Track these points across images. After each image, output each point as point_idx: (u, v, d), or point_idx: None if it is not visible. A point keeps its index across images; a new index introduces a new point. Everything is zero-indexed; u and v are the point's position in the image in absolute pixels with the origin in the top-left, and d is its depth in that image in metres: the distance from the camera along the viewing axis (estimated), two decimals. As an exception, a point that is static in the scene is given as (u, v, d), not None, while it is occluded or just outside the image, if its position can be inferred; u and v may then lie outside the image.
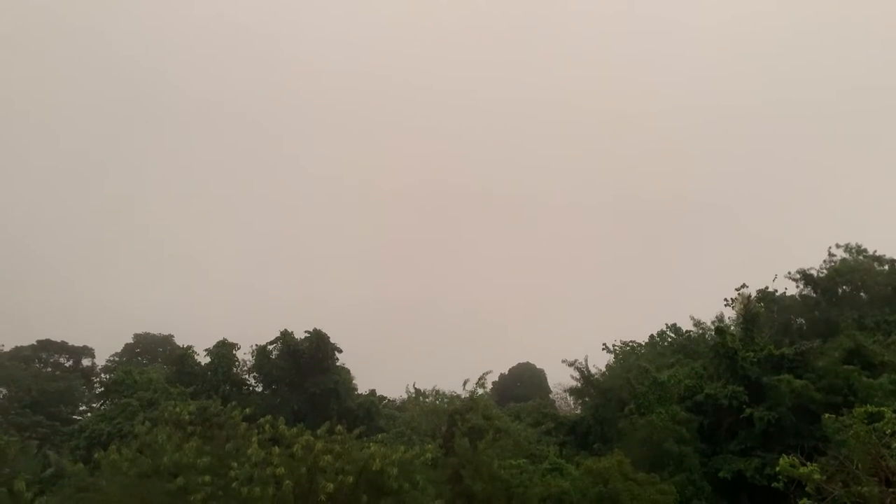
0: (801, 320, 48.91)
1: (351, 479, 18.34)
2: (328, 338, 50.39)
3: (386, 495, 19.32)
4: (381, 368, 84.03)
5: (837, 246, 51.03)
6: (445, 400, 35.39)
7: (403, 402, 44.40)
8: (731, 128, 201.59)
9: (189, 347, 52.12)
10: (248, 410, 22.30)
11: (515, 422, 36.88)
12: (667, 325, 52.26)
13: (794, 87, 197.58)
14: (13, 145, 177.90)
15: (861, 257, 50.09)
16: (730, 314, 45.74)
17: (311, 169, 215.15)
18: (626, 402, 35.85)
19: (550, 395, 70.06)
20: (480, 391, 34.15)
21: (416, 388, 37.58)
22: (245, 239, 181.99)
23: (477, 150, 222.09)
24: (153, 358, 70.81)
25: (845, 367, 33.40)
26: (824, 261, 50.48)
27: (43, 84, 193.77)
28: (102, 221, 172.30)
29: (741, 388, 33.79)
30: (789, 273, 49.60)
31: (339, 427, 21.05)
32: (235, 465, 18.10)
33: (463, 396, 33.77)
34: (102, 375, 65.26)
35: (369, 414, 48.36)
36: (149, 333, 74.80)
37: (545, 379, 79.99)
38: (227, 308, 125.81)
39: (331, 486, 17.59)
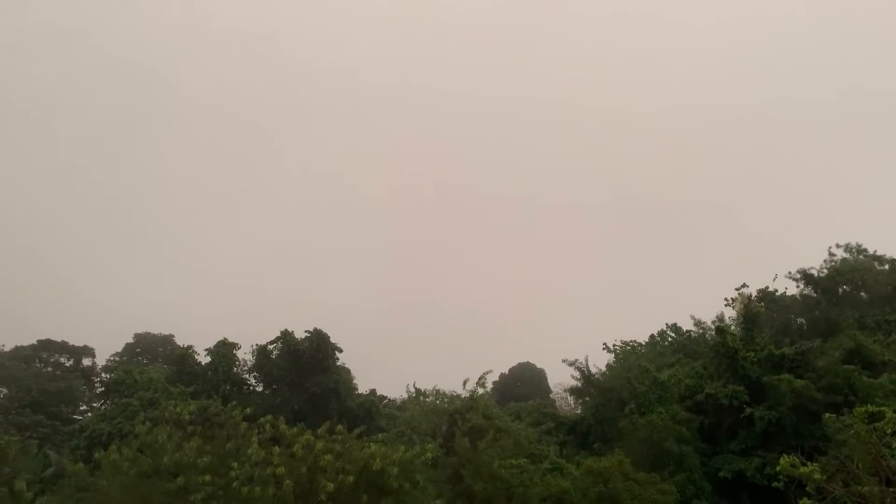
0: (801, 320, 48.90)
1: (351, 478, 18.35)
2: (328, 337, 50.41)
3: (386, 495, 19.32)
4: (381, 368, 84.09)
5: (838, 246, 51.07)
6: (446, 400, 35.39)
7: (404, 401, 44.40)
8: (731, 128, 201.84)
9: (189, 347, 52.15)
10: (248, 410, 22.31)
11: (516, 421, 36.89)
12: (667, 324, 52.31)
13: (794, 87, 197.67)
14: (14, 146, 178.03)
15: (861, 257, 50.08)
16: (730, 314, 45.79)
17: (311, 169, 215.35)
18: (627, 402, 35.85)
19: (551, 395, 70.08)
20: (481, 391, 34.16)
21: (416, 388, 37.58)
22: (245, 239, 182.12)
23: (477, 151, 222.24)
24: (153, 358, 70.82)
25: (846, 366, 33.38)
26: (824, 260, 50.51)
27: (43, 85, 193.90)
28: (103, 221, 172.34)
29: (741, 387, 33.79)
30: (789, 273, 49.64)
31: (339, 427, 21.05)
32: (236, 464, 18.11)
33: (463, 396, 33.79)
34: (103, 375, 65.26)
35: (370, 414, 48.38)
36: (149, 333, 74.85)
37: (545, 379, 79.98)
38: (227, 308, 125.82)
39: (331, 486, 17.60)
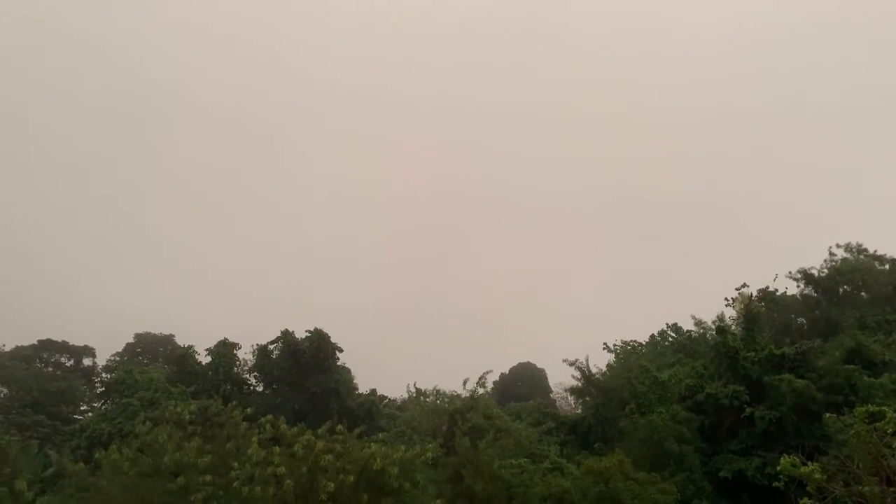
0: (801, 320, 48.90)
1: (352, 478, 18.36)
2: (329, 337, 50.41)
3: (387, 495, 19.33)
4: (381, 368, 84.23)
5: (838, 245, 51.10)
6: (446, 399, 35.42)
7: (404, 401, 44.39)
8: (731, 128, 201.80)
9: (190, 347, 52.16)
10: (248, 410, 22.31)
11: (516, 421, 36.87)
12: (667, 324, 52.35)
13: (794, 87, 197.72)
14: (14, 146, 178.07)
15: (862, 257, 50.09)
16: (730, 314, 45.74)
17: (312, 171, 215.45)
18: (627, 402, 35.82)
19: (551, 395, 70.03)
20: (481, 391, 34.19)
21: (416, 388, 37.62)
22: (245, 239, 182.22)
23: (476, 151, 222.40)
24: (154, 357, 70.85)
25: (846, 366, 33.32)
26: (825, 260, 50.54)
27: (44, 85, 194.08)
28: (103, 221, 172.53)
29: (742, 387, 33.76)
30: (790, 272, 49.67)
31: (339, 427, 21.07)
32: (236, 464, 18.11)
33: (463, 396, 33.83)
34: (103, 375, 65.28)
35: (370, 413, 48.37)
36: (150, 333, 74.89)
37: (546, 378, 79.99)
38: (227, 308, 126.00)
39: (331, 486, 17.61)
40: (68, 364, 68.05)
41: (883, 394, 30.44)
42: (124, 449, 19.68)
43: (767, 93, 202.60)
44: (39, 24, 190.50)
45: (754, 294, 45.50)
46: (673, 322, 52.02)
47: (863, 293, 48.26)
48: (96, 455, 21.07)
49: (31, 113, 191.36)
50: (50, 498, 26.15)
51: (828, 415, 23.79)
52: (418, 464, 21.49)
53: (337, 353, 50.92)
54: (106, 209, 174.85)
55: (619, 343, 47.64)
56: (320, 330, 50.39)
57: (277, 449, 18.75)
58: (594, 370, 40.97)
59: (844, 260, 49.91)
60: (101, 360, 69.97)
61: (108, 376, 58.59)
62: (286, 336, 50.46)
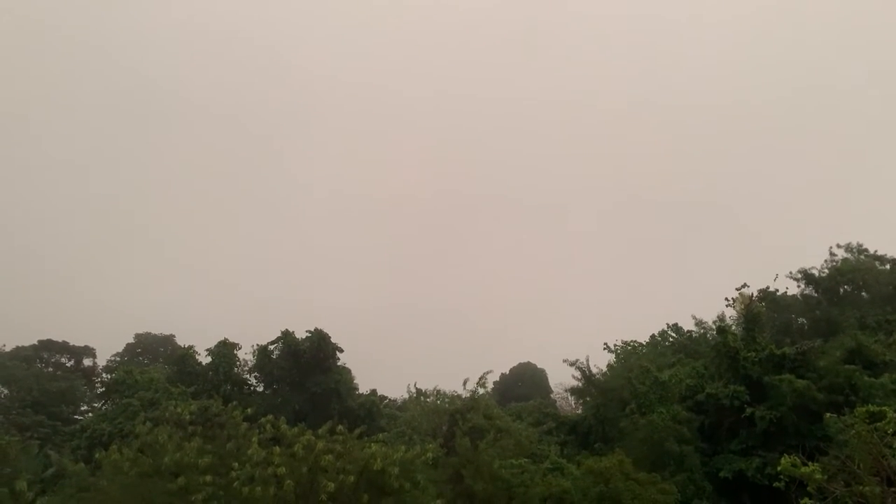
0: (802, 320, 48.90)
1: (352, 478, 18.35)
2: (329, 338, 50.43)
3: (387, 495, 19.33)
4: (381, 368, 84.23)
5: (839, 246, 51.14)
6: (446, 400, 35.43)
7: (404, 401, 44.41)
8: (731, 128, 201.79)
9: (190, 347, 52.20)
10: (249, 410, 22.33)
11: (516, 421, 36.88)
12: (668, 324, 52.40)
13: (795, 87, 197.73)
14: (14, 146, 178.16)
15: (862, 257, 50.11)
16: (731, 314, 45.76)
17: (312, 171, 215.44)
18: (628, 402, 35.82)
19: (551, 395, 69.98)
20: (481, 391, 34.21)
21: (417, 388, 37.63)
22: (245, 239, 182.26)
23: (477, 152, 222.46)
24: (154, 358, 70.86)
25: (847, 366, 33.32)
26: (825, 260, 50.58)
27: (44, 85, 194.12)
28: (103, 221, 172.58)
29: (742, 387, 33.74)
30: (790, 273, 49.71)
31: (340, 427, 21.05)
32: (237, 464, 18.12)
33: (464, 396, 33.84)
34: (104, 375, 65.31)
35: (370, 414, 48.37)
36: (150, 333, 74.90)
37: (546, 379, 79.95)
38: (227, 308, 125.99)
39: (332, 486, 17.60)
40: (69, 364, 68.04)
41: (883, 394, 30.42)
42: (125, 449, 19.69)
43: (767, 93, 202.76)
44: (39, 24, 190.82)
45: (755, 294, 45.50)
46: (673, 322, 52.12)
47: (863, 293, 48.27)
48: (96, 455, 21.08)
49: (31, 113, 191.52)
50: (50, 498, 26.14)
51: (828, 415, 23.81)
52: (419, 464, 21.49)
53: (337, 353, 50.96)
54: (106, 209, 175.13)
55: (619, 343, 47.74)
56: (320, 330, 50.41)
57: (278, 449, 18.74)
58: (594, 370, 41.02)
59: (845, 260, 49.93)
60: (102, 361, 70.06)
61: (109, 376, 58.62)
62: (286, 336, 50.47)
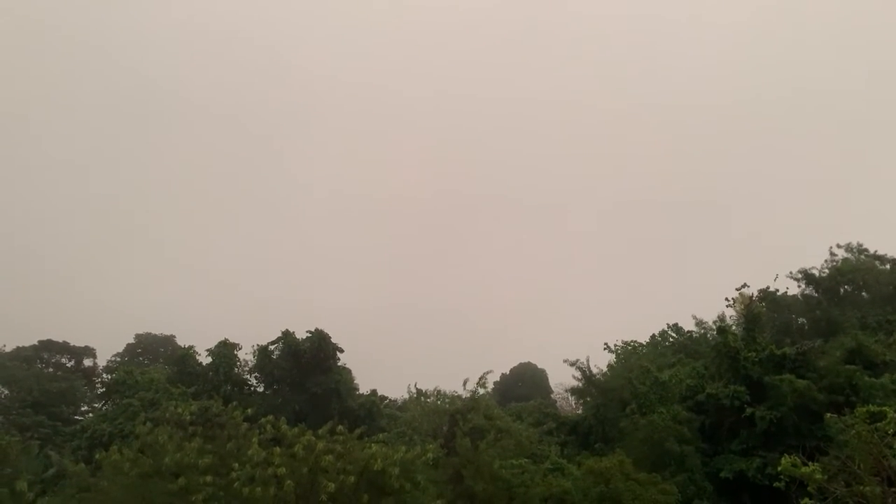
0: (802, 320, 48.89)
1: (352, 479, 18.36)
2: (329, 338, 50.43)
3: (387, 495, 19.33)
4: (382, 368, 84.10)
5: (839, 246, 51.16)
6: (447, 400, 35.41)
7: (405, 402, 44.40)
8: (731, 128, 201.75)
9: (190, 347, 52.20)
10: (249, 411, 22.33)
11: (517, 422, 36.88)
12: (668, 324, 52.43)
13: (794, 87, 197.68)
14: (14, 146, 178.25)
15: (863, 257, 50.13)
16: (731, 314, 45.78)
17: (312, 171, 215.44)
18: (628, 402, 35.82)
19: (552, 395, 70.01)
20: (481, 391, 34.19)
21: (417, 389, 37.61)
22: (245, 239, 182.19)
23: (477, 152, 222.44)
24: (154, 358, 70.86)
25: (847, 366, 33.34)
26: (826, 260, 50.60)
27: (44, 85, 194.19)
28: (103, 221, 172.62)
29: (743, 387, 33.74)
30: (791, 273, 49.74)
31: (340, 427, 21.06)
32: (237, 465, 18.13)
33: (464, 396, 33.82)
34: (104, 376, 65.30)
35: (371, 414, 48.36)
36: (150, 333, 74.90)
37: (546, 379, 79.93)
38: (228, 308, 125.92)
39: (332, 486, 17.61)
40: (69, 365, 68.00)
41: (884, 394, 30.42)
42: (125, 449, 19.71)
43: (767, 93, 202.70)
44: (39, 24, 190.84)
45: (755, 294, 45.54)
46: (673, 322, 52.13)
47: (864, 293, 48.29)
48: (97, 456, 21.09)
49: (31, 113, 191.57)
50: (51, 499, 26.14)
51: (829, 415, 23.79)
52: (419, 464, 21.49)
53: (338, 353, 50.96)
54: (106, 209, 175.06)
55: (619, 343, 47.73)
56: (321, 330, 50.42)
57: (278, 449, 18.75)
58: (595, 370, 41.02)
59: (845, 260, 49.94)
60: (102, 361, 70.02)
61: (109, 377, 58.62)
62: (287, 336, 50.48)
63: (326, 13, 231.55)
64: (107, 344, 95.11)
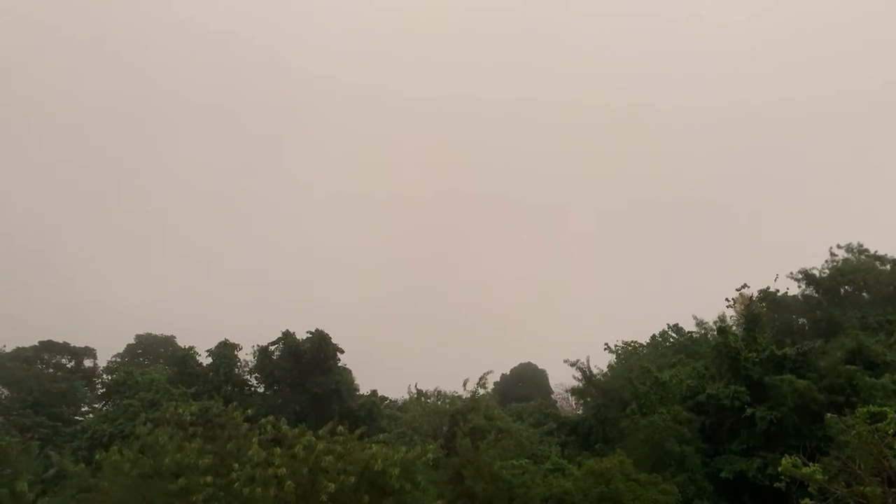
0: (802, 320, 48.86)
1: (353, 479, 18.37)
2: (330, 338, 50.42)
3: (387, 495, 19.34)
4: (382, 369, 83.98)
5: (839, 246, 51.16)
6: (447, 400, 35.43)
7: (405, 402, 44.41)
8: (731, 128, 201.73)
9: (191, 348, 52.18)
10: (249, 411, 22.32)
11: (517, 422, 36.89)
12: (668, 325, 52.42)
13: (795, 87, 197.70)
14: (15, 146, 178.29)
15: (863, 257, 50.13)
16: (731, 314, 45.76)
17: (312, 171, 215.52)
18: (628, 403, 35.80)
19: (552, 396, 70.02)
20: (482, 391, 34.19)
21: (417, 389, 37.64)
22: (246, 239, 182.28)
23: (477, 152, 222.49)
24: (155, 359, 70.86)
25: (847, 367, 33.32)
26: (826, 261, 50.60)
27: (44, 85, 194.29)
28: (103, 221, 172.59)
29: (743, 388, 33.72)
30: (791, 273, 49.73)
31: (340, 427, 21.07)
32: (237, 465, 18.13)
33: (464, 397, 33.81)
34: (104, 376, 65.29)
35: (371, 414, 48.37)
36: (150, 334, 74.91)
37: (547, 379, 79.90)
38: (228, 309, 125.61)
39: (332, 487, 17.61)
40: (69, 365, 67.97)
41: (884, 394, 30.40)
42: (125, 450, 19.71)
43: (767, 93, 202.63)
44: (39, 24, 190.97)
45: (755, 294, 45.56)
46: (674, 322, 52.12)
47: (864, 293, 48.28)
48: (97, 456, 21.09)
49: (31, 113, 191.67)
50: (51, 499, 26.17)
51: (829, 415, 23.79)
52: (419, 465, 21.49)
53: (338, 353, 50.95)
54: (106, 209, 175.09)
55: (619, 343, 47.73)
56: (321, 331, 50.42)
57: (278, 450, 18.76)
58: (595, 371, 41.00)
59: (845, 260, 49.94)
60: (102, 362, 69.97)
61: (109, 377, 58.61)
62: (287, 337, 50.48)
63: (326, 13, 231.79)
64: (107, 344, 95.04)
